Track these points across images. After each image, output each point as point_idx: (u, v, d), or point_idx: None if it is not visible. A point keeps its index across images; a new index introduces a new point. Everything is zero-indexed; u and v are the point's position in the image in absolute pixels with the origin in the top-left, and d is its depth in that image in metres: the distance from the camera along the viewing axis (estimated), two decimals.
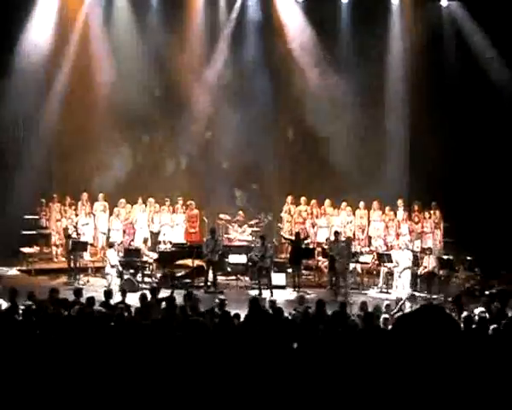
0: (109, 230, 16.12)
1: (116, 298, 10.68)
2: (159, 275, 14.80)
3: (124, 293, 10.69)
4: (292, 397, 6.25)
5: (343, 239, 15.00)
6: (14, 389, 6.31)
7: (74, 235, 15.08)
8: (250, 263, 15.04)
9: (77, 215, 15.88)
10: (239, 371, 6.53)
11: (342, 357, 6.89)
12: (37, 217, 16.13)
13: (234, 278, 15.51)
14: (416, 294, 12.40)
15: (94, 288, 13.34)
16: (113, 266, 14.04)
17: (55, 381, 6.42)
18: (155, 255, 15.09)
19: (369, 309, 9.79)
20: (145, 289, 12.34)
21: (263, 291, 14.05)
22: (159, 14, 17.38)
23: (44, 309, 8.71)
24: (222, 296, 10.48)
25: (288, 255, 15.61)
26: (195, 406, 6.26)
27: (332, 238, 15.16)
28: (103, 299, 10.06)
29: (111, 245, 14.83)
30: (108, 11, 17.25)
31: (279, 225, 17.01)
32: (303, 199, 16.99)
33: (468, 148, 16.87)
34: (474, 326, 8.56)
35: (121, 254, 14.61)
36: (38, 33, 16.40)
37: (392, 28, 17.99)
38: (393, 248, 15.41)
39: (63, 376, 6.46)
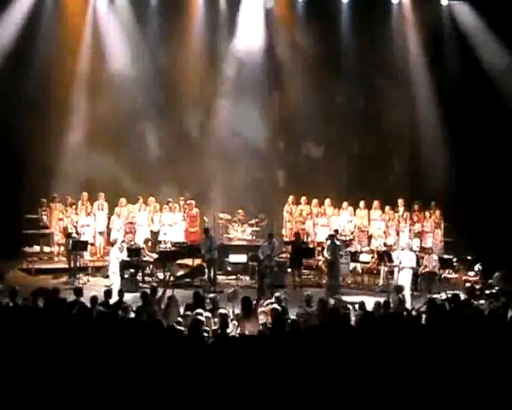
0: (110, 229, 16.14)
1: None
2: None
3: (121, 294, 10.65)
4: (289, 397, 6.25)
5: (340, 238, 15.00)
6: (13, 388, 6.32)
7: (74, 234, 15.10)
8: (254, 262, 15.01)
9: (77, 215, 15.89)
10: (239, 372, 6.54)
11: (341, 356, 6.90)
12: (37, 216, 16.13)
13: (234, 277, 15.53)
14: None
15: (94, 287, 13.32)
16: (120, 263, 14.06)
17: (55, 381, 6.43)
18: (155, 255, 15.10)
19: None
20: (145, 288, 12.36)
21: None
22: (158, 12, 17.39)
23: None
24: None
25: (289, 256, 15.61)
26: (196, 407, 6.27)
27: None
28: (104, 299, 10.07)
29: (113, 243, 14.83)
30: (108, 10, 17.25)
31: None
32: (303, 199, 17.01)
33: (468, 148, 16.87)
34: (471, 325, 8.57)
35: (125, 253, 14.55)
36: (36, 33, 16.40)
37: (393, 28, 18.00)
38: (393, 248, 15.40)
39: (63, 376, 6.47)
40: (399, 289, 12.09)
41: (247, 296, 9.53)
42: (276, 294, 10.48)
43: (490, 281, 13.63)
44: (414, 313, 10.87)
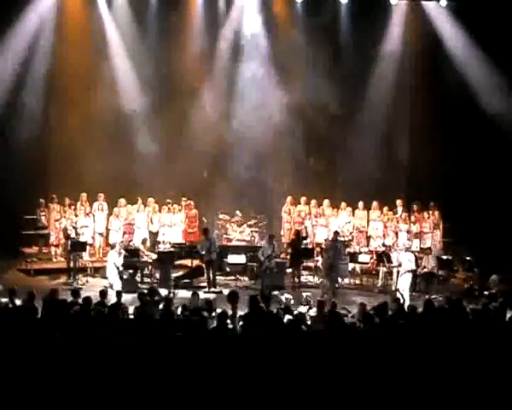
0: (109, 230, 16.14)
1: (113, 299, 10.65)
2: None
3: (119, 295, 10.63)
4: (289, 396, 6.25)
5: (341, 239, 15.00)
6: (14, 388, 6.32)
7: (73, 235, 15.09)
8: (254, 263, 14.99)
9: (76, 216, 15.88)
10: (238, 371, 6.53)
11: (339, 356, 6.90)
12: (36, 217, 16.12)
13: (233, 278, 15.52)
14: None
15: (93, 288, 13.28)
16: (116, 267, 14.05)
17: (55, 381, 6.42)
18: (154, 256, 15.10)
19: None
20: (144, 289, 12.35)
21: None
22: (157, 12, 17.40)
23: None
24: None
25: (288, 256, 15.60)
26: (194, 406, 6.27)
27: (331, 237, 15.12)
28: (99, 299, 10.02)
29: (112, 246, 14.81)
30: (107, 10, 17.25)
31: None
32: (303, 199, 17.01)
33: (467, 148, 16.88)
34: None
35: (123, 255, 14.50)
36: (37, 33, 16.39)
37: (392, 29, 17.99)
38: (392, 248, 15.39)
39: (63, 376, 6.47)
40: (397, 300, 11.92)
41: (254, 296, 9.45)
42: (286, 295, 10.49)
43: (489, 279, 13.62)
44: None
